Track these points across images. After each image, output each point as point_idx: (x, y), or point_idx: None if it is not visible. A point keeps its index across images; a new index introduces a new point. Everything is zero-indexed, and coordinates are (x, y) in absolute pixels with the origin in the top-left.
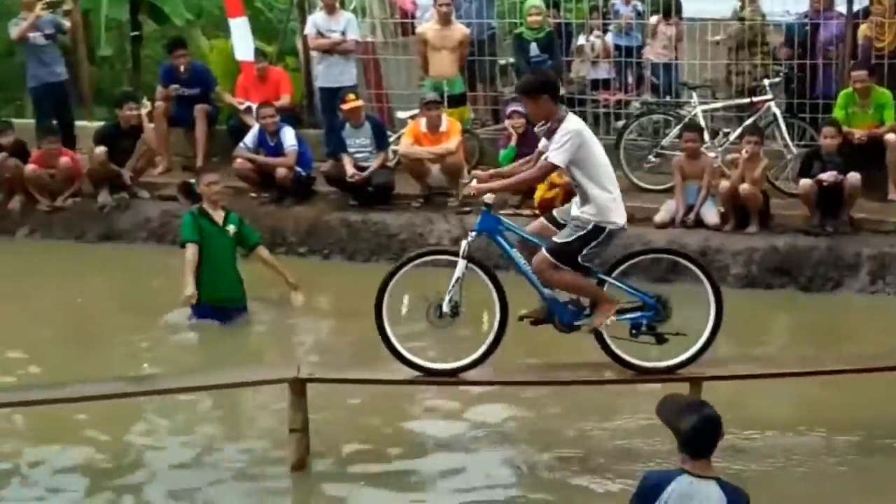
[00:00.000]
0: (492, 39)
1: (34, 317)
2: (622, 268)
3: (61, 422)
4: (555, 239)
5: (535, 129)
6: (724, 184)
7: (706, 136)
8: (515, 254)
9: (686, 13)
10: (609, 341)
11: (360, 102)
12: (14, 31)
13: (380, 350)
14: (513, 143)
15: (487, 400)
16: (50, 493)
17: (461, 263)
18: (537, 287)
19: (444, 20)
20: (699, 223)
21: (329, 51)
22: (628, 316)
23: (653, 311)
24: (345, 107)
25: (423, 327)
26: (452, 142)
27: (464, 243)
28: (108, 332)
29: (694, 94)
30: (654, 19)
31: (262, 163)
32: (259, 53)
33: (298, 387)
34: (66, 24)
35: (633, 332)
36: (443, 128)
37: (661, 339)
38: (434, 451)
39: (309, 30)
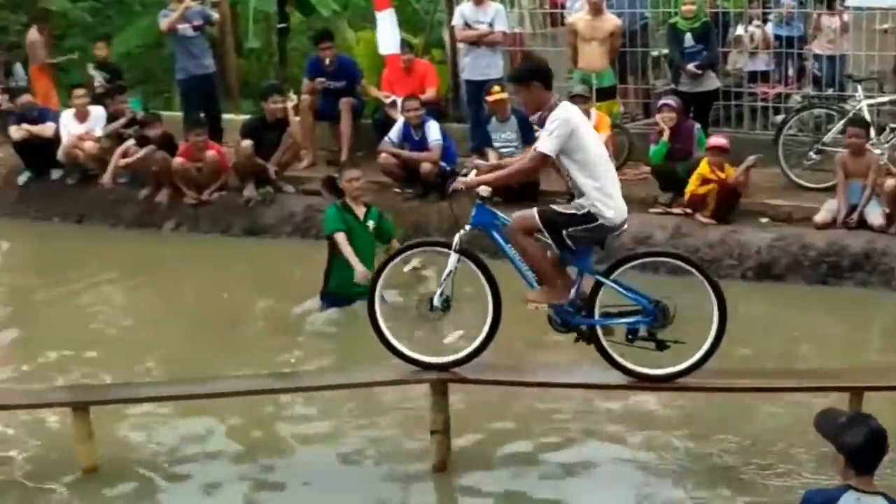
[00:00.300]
0: (644, 30)
1: (180, 309)
2: (620, 269)
3: (205, 411)
4: (549, 206)
5: (530, 119)
6: (891, 182)
7: (872, 132)
8: (510, 249)
9: (851, 2)
10: (606, 345)
11: (504, 94)
12: (163, 22)
13: (519, 350)
14: (665, 138)
15: (638, 394)
16: (194, 486)
17: (453, 257)
18: (532, 284)
19: (595, 10)
20: (862, 224)
21: (476, 42)
22: (625, 320)
23: (651, 317)
24: (489, 98)
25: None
26: (601, 137)
27: (456, 236)
28: (251, 324)
29: (859, 87)
30: (817, 12)
31: (407, 157)
32: (405, 45)
33: (440, 387)
34: (215, 15)
35: (630, 336)
36: (591, 122)
37: (660, 346)
38: (585, 451)
39: (456, 21)
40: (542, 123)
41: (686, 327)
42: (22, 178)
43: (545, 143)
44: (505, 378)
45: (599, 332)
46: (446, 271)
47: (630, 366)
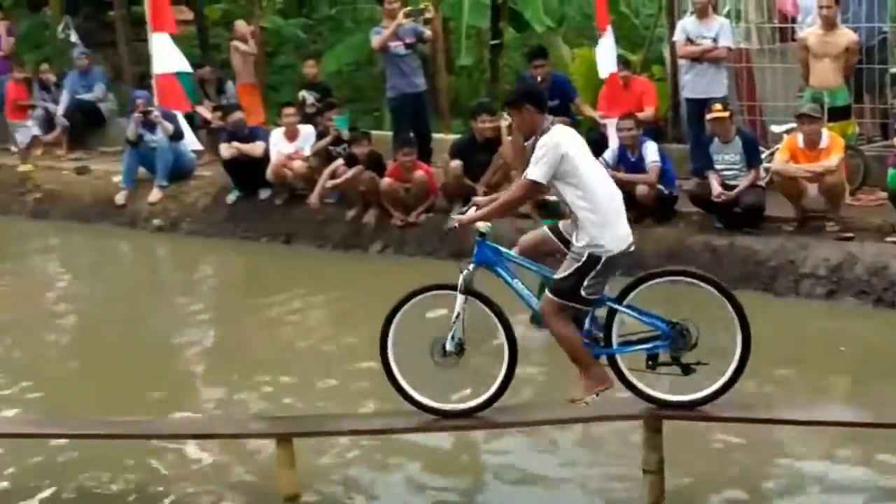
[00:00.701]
0: (883, 45)
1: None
2: (633, 293)
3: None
4: (555, 276)
5: (525, 144)
6: None
7: None
8: (519, 285)
9: None
10: (625, 372)
11: (726, 113)
12: (375, 40)
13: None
14: None
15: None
16: None
17: (459, 298)
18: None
19: (829, 24)
20: None
21: (698, 59)
22: (643, 346)
23: (669, 340)
24: (709, 116)
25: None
26: (833, 159)
27: (460, 277)
28: None
29: None
30: None
31: (622, 179)
32: (622, 62)
33: (654, 423)
34: (427, 32)
35: (650, 363)
36: (822, 144)
37: (686, 370)
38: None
39: (678, 36)
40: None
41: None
42: (231, 198)
43: (534, 169)
44: (734, 415)
45: (619, 361)
46: (454, 314)
47: (656, 394)
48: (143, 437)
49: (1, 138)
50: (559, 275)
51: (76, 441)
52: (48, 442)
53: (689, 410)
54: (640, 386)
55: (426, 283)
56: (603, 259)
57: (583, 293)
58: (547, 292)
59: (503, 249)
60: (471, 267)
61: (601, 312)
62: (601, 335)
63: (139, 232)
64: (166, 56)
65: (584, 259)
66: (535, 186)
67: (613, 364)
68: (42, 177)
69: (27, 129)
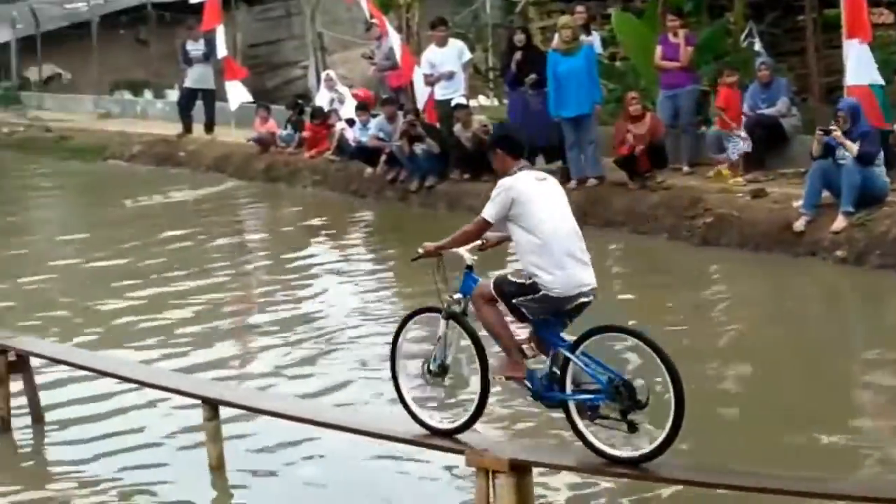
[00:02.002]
0: None
1: None
2: (586, 343)
3: None
4: (504, 273)
5: None
6: None
7: None
8: None
9: None
10: (575, 418)
11: None
12: None
13: None
14: None
15: None
16: None
17: (442, 323)
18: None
19: None
20: None
21: None
22: (585, 396)
23: (604, 395)
24: None
25: None
26: None
27: (444, 302)
28: None
29: None
30: None
31: None
32: None
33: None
34: None
35: (590, 413)
36: None
37: (630, 427)
38: None
39: None
40: None
41: None
42: None
43: (486, 208)
44: None
45: (571, 407)
46: (437, 336)
47: (599, 445)
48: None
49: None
50: (508, 274)
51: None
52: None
53: (629, 467)
54: (587, 434)
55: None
56: (541, 293)
57: (514, 302)
58: (487, 278)
59: (484, 281)
60: (456, 296)
61: (560, 357)
62: (556, 379)
63: (818, 263)
64: (861, 66)
65: (529, 282)
66: (484, 224)
67: (566, 409)
68: (714, 200)
69: (736, 142)
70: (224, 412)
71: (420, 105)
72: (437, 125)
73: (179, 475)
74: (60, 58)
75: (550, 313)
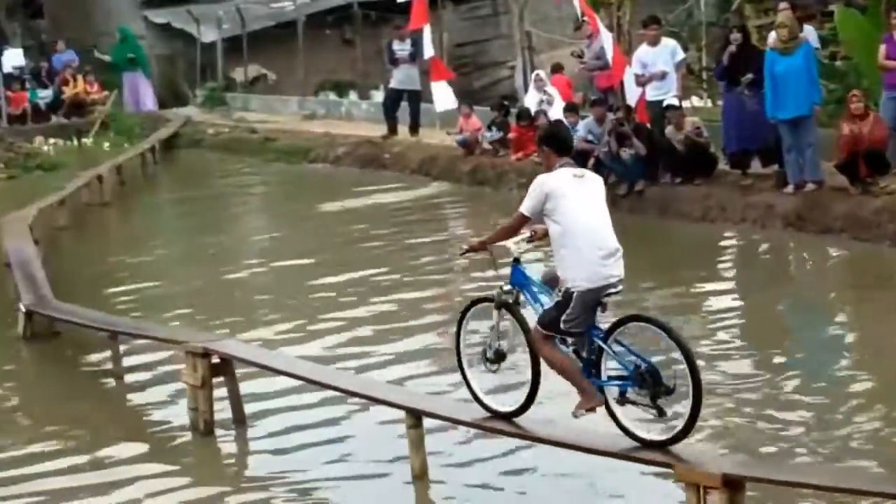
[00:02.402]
0: None
1: None
2: (617, 331)
3: None
4: (542, 308)
5: None
6: None
7: None
8: (539, 308)
9: None
10: (611, 403)
11: None
12: None
13: None
14: None
15: None
16: None
17: (494, 313)
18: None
19: None
20: None
21: None
22: (615, 382)
23: (631, 381)
24: None
25: None
26: None
27: (496, 293)
28: None
29: None
30: None
31: None
32: None
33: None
34: None
35: (619, 399)
36: None
37: (660, 412)
38: None
39: None
40: None
41: None
42: None
43: (523, 203)
44: None
45: (606, 392)
46: (490, 325)
47: (632, 429)
48: None
49: None
50: (545, 307)
51: None
52: None
53: (655, 449)
54: (620, 419)
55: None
56: (575, 295)
57: (563, 326)
58: (535, 323)
59: (530, 275)
60: (506, 287)
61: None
62: (594, 366)
63: None
64: None
65: (562, 295)
66: (522, 218)
67: (603, 394)
68: None
69: None
70: (428, 423)
71: (631, 105)
72: (647, 124)
73: (382, 485)
74: (266, 58)
75: (590, 312)
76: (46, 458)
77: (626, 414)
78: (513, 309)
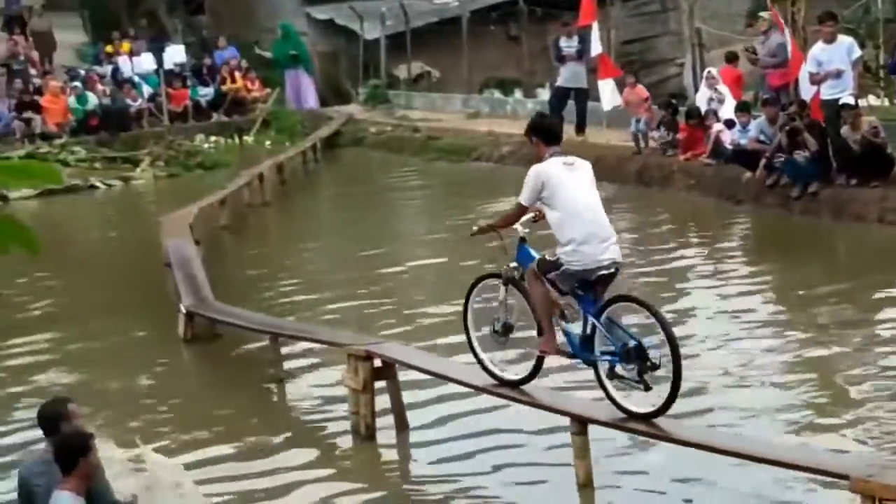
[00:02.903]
0: None
1: None
2: (606, 311)
3: None
4: (543, 254)
5: None
6: None
7: None
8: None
9: None
10: (602, 377)
11: None
12: None
13: None
14: None
15: None
16: None
17: (501, 288)
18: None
19: None
20: None
21: None
22: (604, 358)
23: (618, 357)
24: None
25: None
26: None
27: (504, 269)
28: None
29: None
30: None
31: None
32: None
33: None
34: None
35: (608, 373)
36: None
37: (646, 386)
38: None
39: None
40: None
41: None
42: None
43: (522, 193)
44: None
45: (599, 367)
46: (499, 300)
47: (620, 402)
48: None
49: None
50: (546, 254)
51: None
52: None
53: (640, 421)
54: (610, 391)
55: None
56: (563, 268)
57: (550, 276)
58: (535, 258)
59: (534, 253)
60: (512, 264)
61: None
62: (588, 341)
63: None
64: None
65: (554, 259)
66: (521, 208)
67: (595, 368)
68: None
69: None
70: (594, 431)
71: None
72: (821, 122)
73: (546, 494)
74: (429, 55)
75: (578, 285)
76: (214, 462)
77: (615, 387)
78: (519, 285)
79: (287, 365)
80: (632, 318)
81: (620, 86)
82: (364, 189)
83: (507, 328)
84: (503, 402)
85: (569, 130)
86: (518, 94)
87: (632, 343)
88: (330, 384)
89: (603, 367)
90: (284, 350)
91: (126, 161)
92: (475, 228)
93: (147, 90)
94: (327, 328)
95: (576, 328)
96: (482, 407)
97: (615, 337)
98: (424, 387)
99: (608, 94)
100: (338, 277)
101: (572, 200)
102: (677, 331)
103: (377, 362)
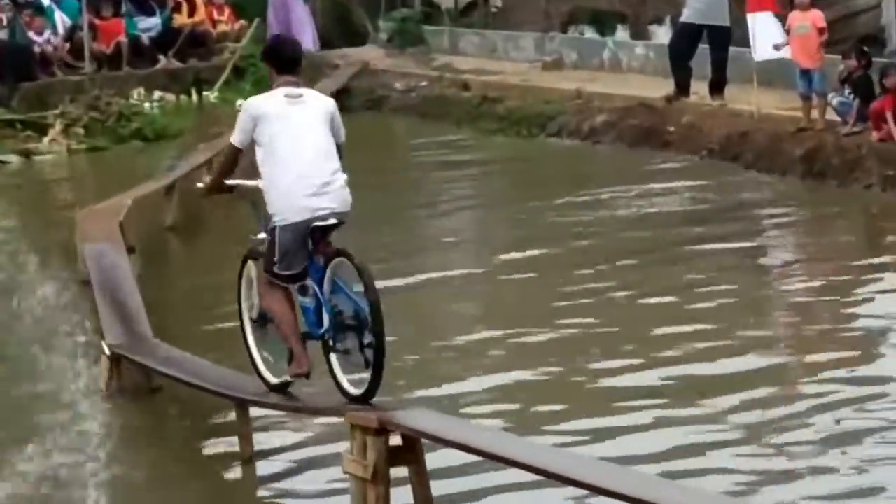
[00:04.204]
0: None
1: None
2: (328, 273)
3: None
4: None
5: None
6: None
7: None
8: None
9: None
10: (328, 354)
11: None
12: None
13: None
14: None
15: None
16: None
17: (249, 263)
18: None
19: None
20: None
21: None
22: (329, 330)
23: (333, 330)
24: None
25: None
26: None
27: (250, 238)
28: None
29: None
30: None
31: None
32: None
33: None
34: None
35: (328, 347)
36: None
37: (367, 363)
38: None
39: None
40: None
41: None
42: None
43: (234, 132)
44: None
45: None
46: (245, 280)
47: (340, 381)
48: None
49: None
50: (258, 248)
51: None
52: None
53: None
54: (333, 368)
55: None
56: (278, 230)
57: (277, 269)
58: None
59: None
60: (261, 235)
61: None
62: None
63: None
64: None
65: (269, 232)
66: (233, 149)
67: (324, 344)
68: None
69: None
70: None
71: None
72: None
73: None
74: None
75: (299, 246)
76: None
77: (337, 363)
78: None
79: (259, 438)
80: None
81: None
82: (379, 174)
83: (265, 316)
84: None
85: (700, 89)
86: (621, 33)
87: (347, 310)
88: (323, 467)
89: (325, 344)
90: (255, 413)
91: (27, 126)
92: (200, 186)
93: (62, 20)
94: (317, 387)
95: (310, 301)
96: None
97: (334, 304)
98: (467, 472)
99: (763, 36)
100: None
101: (287, 139)
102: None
103: (395, 438)
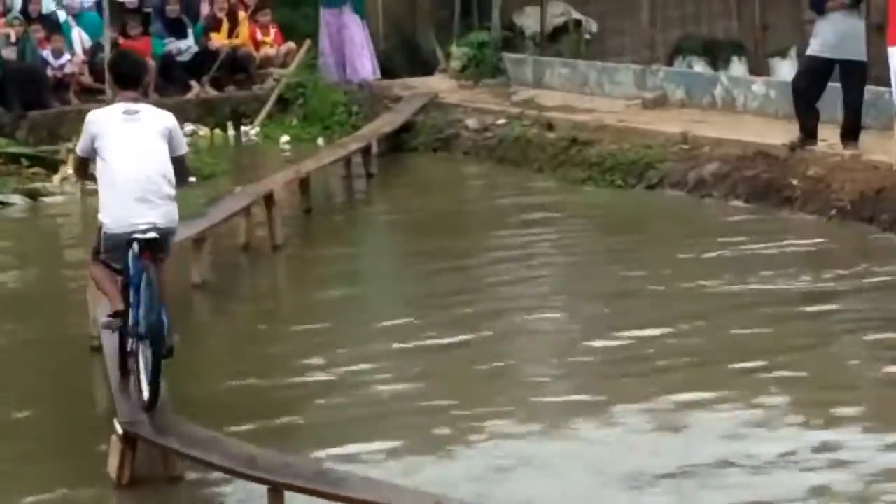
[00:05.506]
0: None
1: None
2: (143, 276)
3: None
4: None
5: None
6: None
7: None
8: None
9: None
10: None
11: None
12: None
13: None
14: None
15: None
16: None
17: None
18: None
19: None
20: None
21: None
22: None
23: (136, 337)
24: None
25: None
26: None
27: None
28: None
29: None
30: None
31: None
32: None
33: None
34: None
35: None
36: None
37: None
38: None
39: None
40: None
41: None
42: None
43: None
44: None
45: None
46: None
47: (143, 389)
48: None
49: None
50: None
51: None
52: None
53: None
54: (140, 374)
55: None
56: (102, 233)
57: (102, 257)
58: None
59: None
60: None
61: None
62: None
63: None
64: None
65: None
66: (78, 159)
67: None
68: None
69: None
70: None
71: None
72: None
73: None
74: None
75: (121, 252)
76: None
77: (143, 367)
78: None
79: None
80: None
81: None
82: (448, 230)
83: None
84: None
85: (829, 136)
86: (737, 66)
87: (143, 316)
88: None
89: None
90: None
91: (35, 161)
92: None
93: (80, 37)
94: (374, 475)
95: (132, 297)
96: None
97: (139, 308)
98: None
99: None
100: (397, 385)
101: (120, 153)
102: None
103: None
